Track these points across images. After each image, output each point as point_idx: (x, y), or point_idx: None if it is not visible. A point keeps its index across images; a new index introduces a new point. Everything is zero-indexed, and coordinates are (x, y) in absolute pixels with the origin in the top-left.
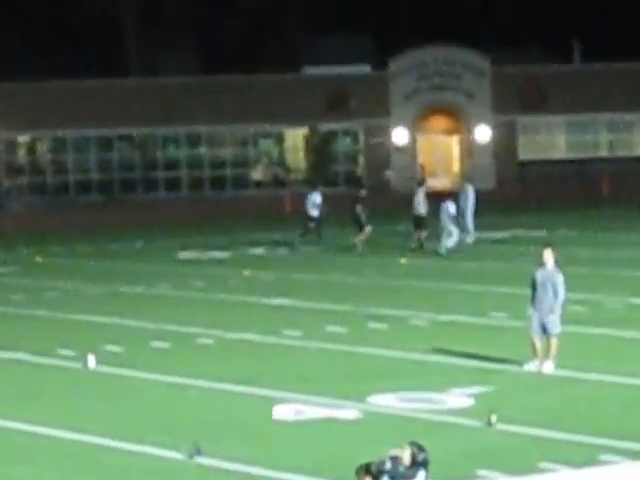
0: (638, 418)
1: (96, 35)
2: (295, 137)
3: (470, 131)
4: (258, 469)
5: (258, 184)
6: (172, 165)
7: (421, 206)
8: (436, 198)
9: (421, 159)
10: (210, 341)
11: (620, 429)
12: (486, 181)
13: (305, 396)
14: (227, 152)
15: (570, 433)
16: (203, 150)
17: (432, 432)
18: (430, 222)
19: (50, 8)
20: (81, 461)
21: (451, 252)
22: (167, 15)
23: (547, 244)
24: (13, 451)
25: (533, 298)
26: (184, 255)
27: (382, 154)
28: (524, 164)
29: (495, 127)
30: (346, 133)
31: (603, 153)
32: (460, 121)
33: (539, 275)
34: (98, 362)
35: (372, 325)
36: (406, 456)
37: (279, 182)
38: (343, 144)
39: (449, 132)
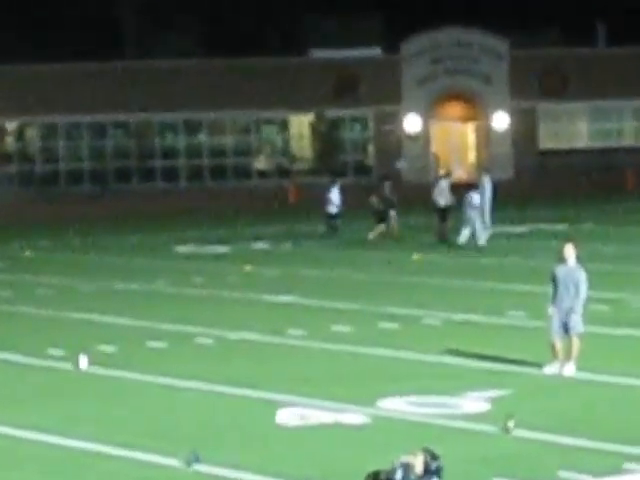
0: None
1: (90, 15)
2: (300, 124)
3: (487, 118)
4: (260, 477)
5: (261, 174)
6: (170, 154)
7: (442, 198)
8: (452, 190)
9: (434, 148)
10: (209, 341)
11: None
12: (504, 171)
13: (310, 400)
14: (228, 140)
15: (592, 440)
16: (203, 138)
17: (445, 438)
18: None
19: None
20: (71, 467)
21: (464, 247)
22: None
23: (568, 239)
24: None
25: (553, 296)
26: (182, 249)
27: (393, 143)
28: (544, 153)
29: (513, 114)
30: (355, 120)
31: (628, 142)
32: (476, 108)
33: (560, 272)
34: (90, 363)
35: (382, 324)
36: (418, 464)
37: (283, 172)
38: (351, 132)
39: (464, 119)
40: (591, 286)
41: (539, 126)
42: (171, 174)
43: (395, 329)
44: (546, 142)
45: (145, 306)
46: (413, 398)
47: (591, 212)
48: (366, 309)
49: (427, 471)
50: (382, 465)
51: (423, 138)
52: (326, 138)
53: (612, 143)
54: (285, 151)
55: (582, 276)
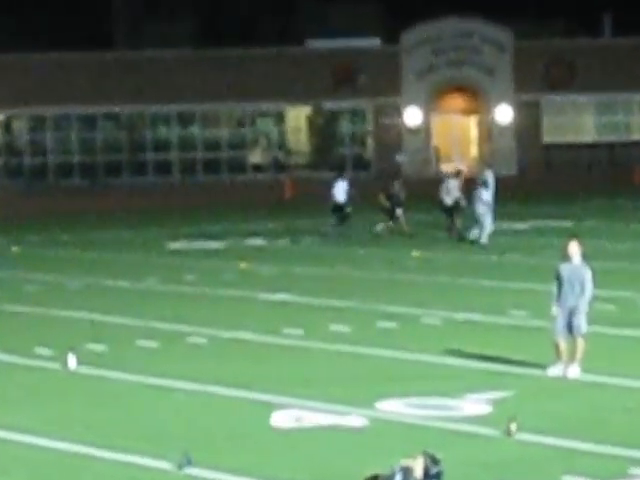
0: None
1: (79, 3)
2: (297, 117)
3: (490, 111)
4: None
5: (256, 168)
6: (162, 146)
7: (449, 197)
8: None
9: (435, 142)
10: (202, 340)
11: None
12: (507, 166)
13: (306, 401)
14: (222, 132)
15: (597, 444)
16: (196, 130)
17: (446, 441)
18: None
19: None
20: (60, 471)
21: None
22: None
23: (573, 236)
24: None
25: (558, 295)
26: (174, 246)
27: (393, 136)
28: (549, 148)
29: (517, 107)
30: (353, 113)
31: (636, 136)
32: (479, 100)
33: (564, 270)
34: (79, 362)
35: (380, 324)
36: (418, 468)
37: (279, 166)
38: (350, 125)
39: (466, 112)
40: (597, 285)
41: (543, 119)
42: (163, 168)
43: (394, 328)
44: (551, 136)
45: (136, 304)
46: (413, 400)
47: (597, 208)
48: (364, 308)
49: (427, 475)
50: (381, 469)
51: (424, 131)
52: (324, 131)
53: (619, 137)
54: (281, 144)
55: (587, 274)
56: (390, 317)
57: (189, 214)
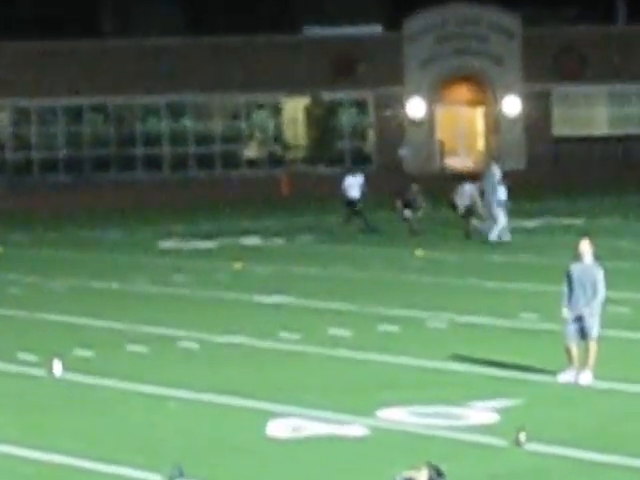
0: None
1: None
2: (294, 108)
3: (497, 103)
4: None
5: (251, 163)
6: (152, 140)
7: (461, 202)
8: (457, 180)
9: (440, 135)
10: (195, 345)
11: None
12: (515, 160)
13: (304, 409)
14: (216, 125)
15: (611, 454)
16: (188, 123)
17: (451, 452)
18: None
19: None
20: None
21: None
22: None
23: (585, 234)
24: None
25: (568, 297)
26: (165, 245)
27: (395, 129)
28: (559, 141)
29: (526, 98)
30: (353, 104)
31: None
32: (485, 91)
33: (575, 270)
34: (65, 369)
35: (382, 327)
36: (422, 479)
37: (275, 160)
38: (350, 117)
39: (472, 104)
40: (610, 286)
41: (554, 111)
42: (153, 163)
43: (396, 332)
44: (561, 128)
45: (125, 307)
46: (416, 408)
47: (610, 205)
48: (365, 311)
49: None
50: None
51: (427, 124)
52: (322, 123)
53: (633, 130)
54: (278, 138)
55: (599, 275)
56: (392, 320)
57: (180, 212)
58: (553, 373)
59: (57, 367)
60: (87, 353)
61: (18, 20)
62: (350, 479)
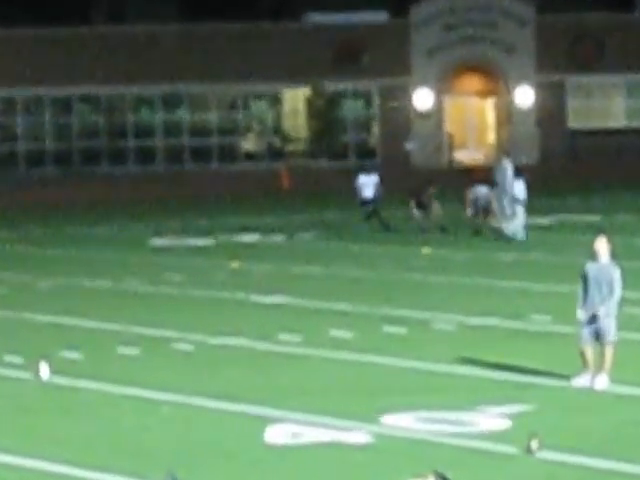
0: None
1: None
2: (295, 99)
3: (509, 93)
4: None
5: (249, 156)
6: (145, 132)
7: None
8: (467, 175)
9: (448, 127)
10: (189, 347)
11: None
12: (528, 154)
13: (304, 415)
14: (212, 117)
15: (628, 463)
16: (183, 114)
17: (459, 460)
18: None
19: None
20: None
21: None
22: None
23: (601, 232)
24: None
25: (584, 298)
26: (158, 242)
27: (401, 121)
28: (574, 134)
29: (539, 88)
30: (357, 95)
31: None
32: (496, 81)
33: (591, 270)
34: (53, 371)
35: (387, 329)
36: None
37: (275, 153)
38: (353, 108)
39: (483, 94)
40: (627, 286)
41: (568, 102)
42: (146, 155)
43: (402, 334)
44: (576, 121)
45: (116, 307)
46: (422, 414)
47: (628, 201)
48: (369, 311)
49: None
50: None
51: (435, 116)
52: (324, 115)
53: None
54: (277, 130)
55: (616, 274)
56: (398, 321)
57: (175, 207)
58: (567, 377)
59: (44, 370)
60: (76, 355)
61: (5, 6)
62: None
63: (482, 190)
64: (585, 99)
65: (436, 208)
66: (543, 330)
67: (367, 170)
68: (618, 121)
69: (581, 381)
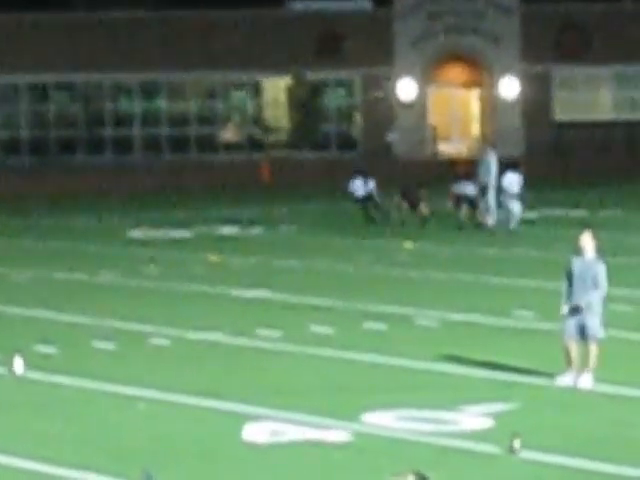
0: None
1: None
2: (275, 88)
3: (493, 84)
4: None
5: (229, 146)
6: (122, 121)
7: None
8: (451, 168)
9: (432, 118)
10: (167, 342)
11: None
12: (513, 147)
13: (283, 412)
14: (190, 106)
15: (612, 463)
16: (161, 103)
17: (440, 459)
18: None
19: None
20: None
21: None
22: None
23: (586, 226)
24: None
25: (569, 294)
26: (136, 234)
27: (383, 111)
28: (561, 126)
29: (525, 80)
30: (339, 84)
31: None
32: (481, 72)
33: (576, 265)
34: (27, 366)
35: (368, 325)
36: None
37: (255, 144)
38: (335, 98)
39: (467, 85)
40: (613, 282)
41: (554, 94)
42: (124, 145)
43: (383, 331)
44: (563, 113)
45: (91, 300)
46: (404, 412)
47: (614, 196)
48: (350, 307)
49: None
50: None
51: (419, 107)
52: (305, 105)
53: None
54: (257, 120)
55: (602, 270)
56: (379, 318)
57: (153, 198)
58: (551, 376)
59: (18, 364)
60: (50, 349)
61: None
62: None
63: (467, 186)
64: (571, 91)
65: (424, 207)
66: (527, 327)
67: (363, 175)
68: (605, 113)
69: (565, 380)
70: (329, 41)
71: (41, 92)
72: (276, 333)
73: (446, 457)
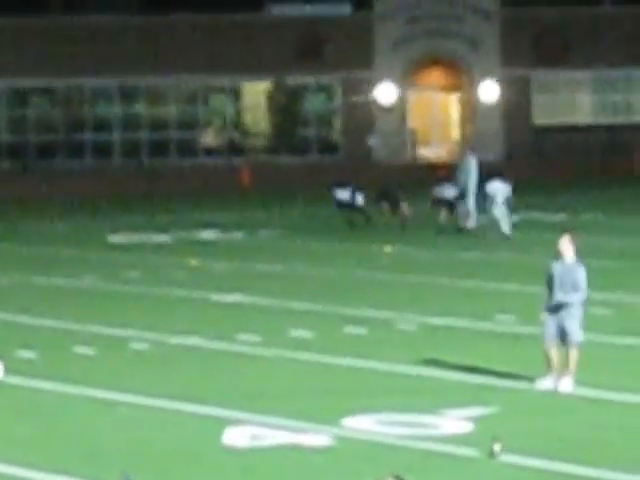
0: None
1: None
2: (256, 93)
3: (473, 88)
4: None
5: (209, 151)
6: (102, 125)
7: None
8: (431, 172)
9: (412, 122)
10: (146, 346)
11: None
12: (492, 151)
13: (263, 417)
14: (170, 110)
15: (591, 467)
16: (141, 107)
17: (421, 463)
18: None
19: None
20: None
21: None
22: None
23: (566, 230)
24: None
25: (548, 298)
26: (116, 239)
27: (363, 115)
28: (540, 130)
29: (505, 84)
30: (319, 89)
31: (637, 118)
32: (461, 76)
33: (556, 269)
34: (7, 371)
35: (348, 329)
36: None
37: (235, 149)
38: (315, 102)
39: (447, 89)
40: (593, 286)
41: (534, 98)
42: (104, 149)
43: (363, 335)
44: (542, 117)
45: (71, 305)
46: (384, 416)
47: (593, 199)
48: (330, 311)
49: None
50: None
51: (399, 111)
52: (285, 109)
53: (619, 119)
54: (237, 124)
55: (581, 274)
56: (359, 322)
57: (132, 202)
58: (531, 379)
59: None
60: (30, 354)
61: None
62: None
63: (447, 189)
64: (551, 95)
65: (405, 208)
66: (507, 331)
67: (350, 185)
68: (584, 117)
69: (546, 383)
70: (309, 45)
71: (20, 97)
72: (256, 337)
73: (426, 461)
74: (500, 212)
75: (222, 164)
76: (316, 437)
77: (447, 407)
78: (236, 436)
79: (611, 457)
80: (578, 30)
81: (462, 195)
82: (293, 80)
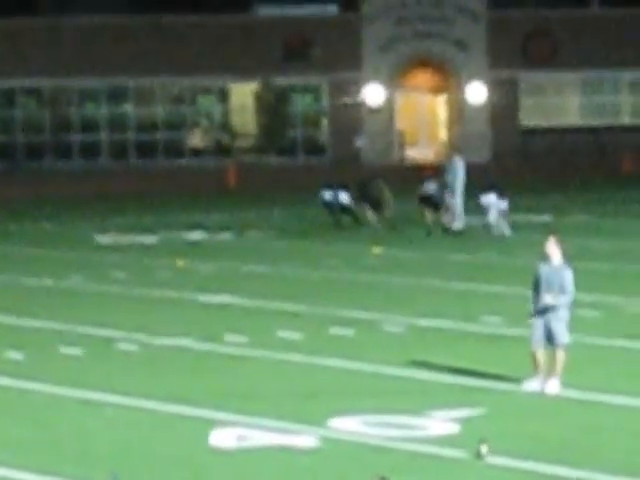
0: None
1: None
2: (243, 94)
3: (461, 90)
4: None
5: (196, 152)
6: (90, 126)
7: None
8: (418, 173)
9: (400, 124)
10: (134, 347)
11: None
12: (480, 152)
13: (250, 418)
14: (158, 111)
15: (578, 469)
16: (128, 108)
17: (408, 465)
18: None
19: None
20: None
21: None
22: None
23: (553, 232)
24: None
25: (535, 300)
26: (103, 239)
27: (351, 117)
28: (528, 132)
29: (492, 85)
30: (306, 90)
31: (625, 120)
32: (449, 77)
33: (543, 271)
34: None
35: (335, 330)
36: None
37: (222, 149)
38: (303, 103)
39: (435, 91)
40: (580, 288)
41: (522, 100)
42: (91, 150)
43: (351, 336)
44: (530, 119)
45: (58, 305)
46: (371, 417)
47: (581, 201)
48: (317, 312)
49: None
50: None
51: (386, 112)
52: (273, 110)
53: (607, 121)
54: (225, 125)
55: (568, 276)
56: (346, 323)
57: (120, 203)
58: (518, 381)
59: None
60: (17, 355)
61: None
62: None
63: (432, 187)
64: (539, 97)
65: (388, 198)
66: (494, 333)
67: (336, 187)
68: (572, 119)
69: (532, 385)
70: (296, 46)
71: (7, 97)
72: (243, 338)
73: (413, 462)
74: (493, 219)
75: (209, 165)
76: (303, 438)
77: (434, 408)
78: (223, 437)
79: (598, 459)
80: (566, 32)
81: (448, 196)
82: (281, 81)
